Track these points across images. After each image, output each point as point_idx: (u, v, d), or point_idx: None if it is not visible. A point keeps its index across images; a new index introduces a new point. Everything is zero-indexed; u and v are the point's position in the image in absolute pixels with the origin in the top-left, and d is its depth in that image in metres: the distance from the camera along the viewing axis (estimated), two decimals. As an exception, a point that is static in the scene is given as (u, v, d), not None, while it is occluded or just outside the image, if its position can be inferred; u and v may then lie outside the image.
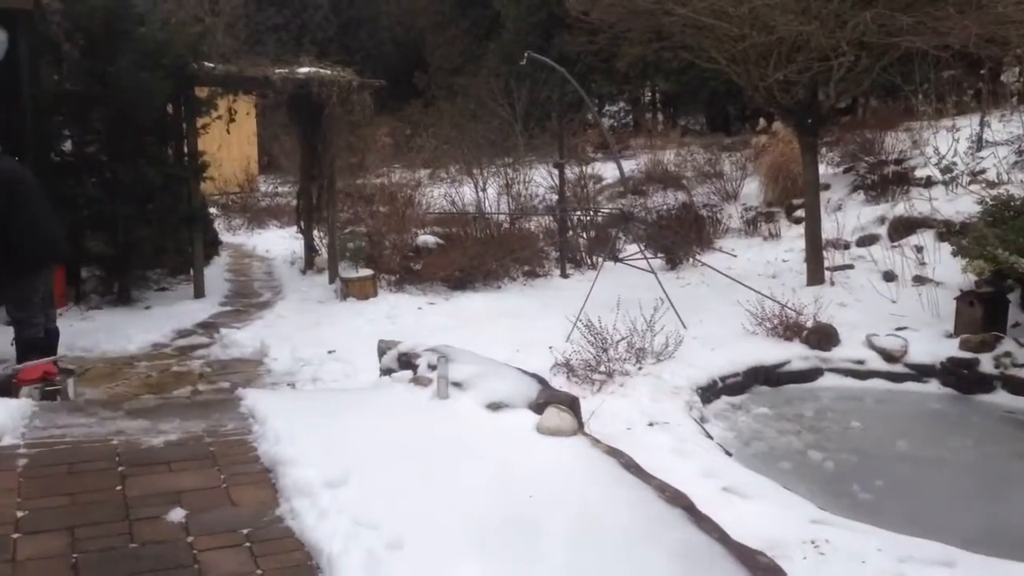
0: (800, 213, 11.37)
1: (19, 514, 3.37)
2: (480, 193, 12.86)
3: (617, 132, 23.21)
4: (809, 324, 7.47)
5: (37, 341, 6.48)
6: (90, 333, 7.93)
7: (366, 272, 9.96)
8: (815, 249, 9.66)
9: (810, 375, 7.12)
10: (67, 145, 9.15)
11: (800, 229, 10.96)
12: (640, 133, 22.02)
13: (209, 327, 8.69)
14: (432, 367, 4.85)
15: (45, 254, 6.53)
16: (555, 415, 4.12)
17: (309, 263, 11.53)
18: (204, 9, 16.67)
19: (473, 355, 5.12)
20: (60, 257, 6.94)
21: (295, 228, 12.94)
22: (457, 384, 4.64)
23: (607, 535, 3.06)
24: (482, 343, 5.93)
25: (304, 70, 9.89)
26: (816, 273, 9.57)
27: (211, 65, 9.41)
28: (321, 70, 9.97)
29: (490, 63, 23.43)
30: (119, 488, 3.63)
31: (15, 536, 3.20)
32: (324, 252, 11.32)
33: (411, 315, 9.15)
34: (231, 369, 7.43)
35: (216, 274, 10.96)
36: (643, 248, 10.00)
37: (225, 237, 13.72)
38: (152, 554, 3.11)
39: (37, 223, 6.38)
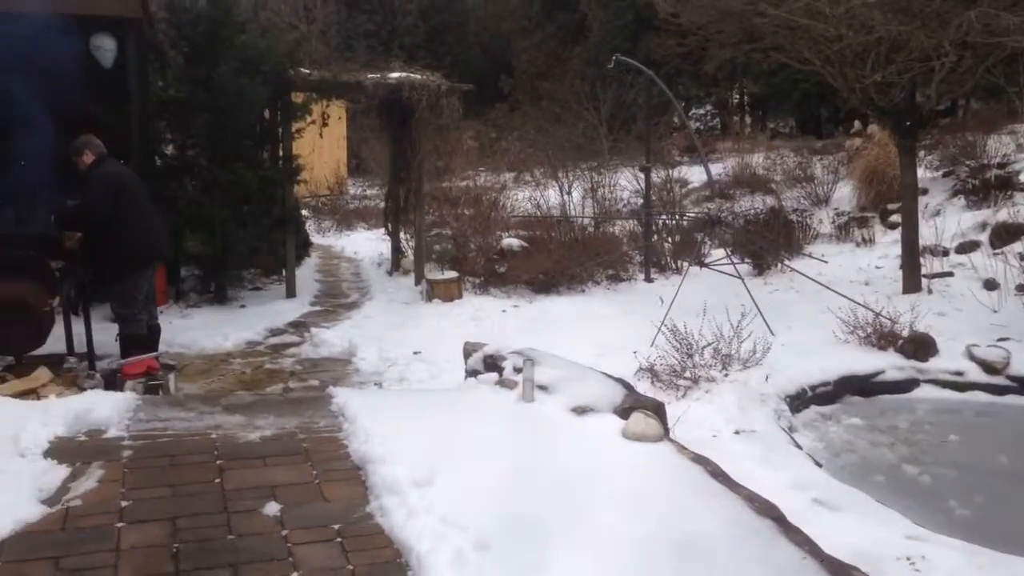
0: (896, 218, 11.01)
1: (123, 504, 3.53)
2: (565, 196, 12.87)
3: (704, 135, 22.89)
4: (905, 333, 7.23)
5: (140, 337, 6.77)
6: (188, 330, 8.23)
7: (451, 274, 10.07)
8: (912, 255, 9.35)
9: (905, 386, 6.88)
10: (169, 149, 9.53)
11: (895, 235, 10.61)
12: (727, 136, 21.68)
13: (300, 326, 8.92)
14: (518, 370, 4.88)
15: (148, 253, 6.82)
16: (641, 420, 4.10)
17: (396, 265, 11.72)
18: (299, 17, 17.12)
19: (558, 359, 5.13)
20: (162, 256, 7.23)
21: (382, 230, 13.17)
22: (542, 387, 4.66)
23: (695, 544, 3.03)
24: (565, 347, 5.93)
25: (395, 75, 10.07)
26: (912, 280, 9.25)
27: (307, 71, 9.67)
28: (412, 75, 10.13)
29: (576, 66, 23.43)
30: (217, 481, 3.77)
31: (119, 525, 3.35)
32: (410, 254, 11.49)
33: (495, 318, 9.21)
34: (321, 368, 7.61)
35: (306, 274, 11.24)
36: (730, 253, 9.84)
37: (315, 238, 14.05)
38: (249, 546, 3.22)
39: (141, 224, 6.66)
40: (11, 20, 7.30)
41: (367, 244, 14.17)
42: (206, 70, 8.47)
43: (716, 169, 15.48)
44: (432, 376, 7.06)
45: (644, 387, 6.01)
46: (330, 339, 8.17)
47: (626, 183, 13.67)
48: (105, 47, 8.29)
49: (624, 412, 4.32)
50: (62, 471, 3.75)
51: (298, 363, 7.73)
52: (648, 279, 10.90)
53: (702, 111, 26.73)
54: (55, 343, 6.59)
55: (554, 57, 25.71)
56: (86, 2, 7.73)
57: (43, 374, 5.00)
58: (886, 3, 8.03)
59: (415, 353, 7.74)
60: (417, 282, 10.49)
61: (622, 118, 16.90)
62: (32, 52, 7.31)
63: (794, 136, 21.98)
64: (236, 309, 9.41)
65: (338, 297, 10.55)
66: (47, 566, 3.01)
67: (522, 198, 14.51)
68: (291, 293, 10.08)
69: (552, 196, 13.26)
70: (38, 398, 4.63)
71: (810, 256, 10.92)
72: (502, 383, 4.94)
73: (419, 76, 10.14)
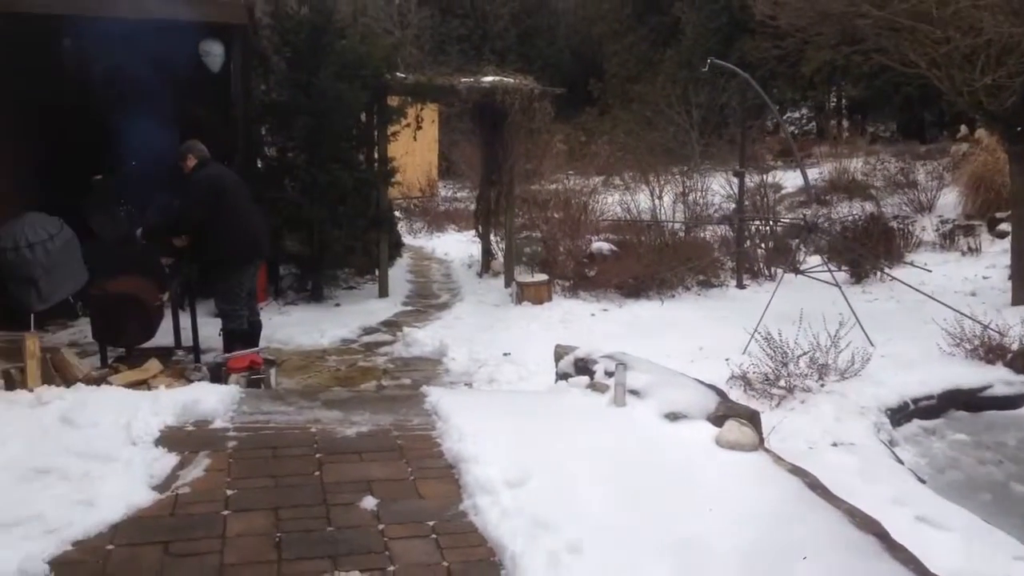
0: (1005, 227, 10.55)
1: (229, 492, 3.66)
2: (655, 201, 12.75)
3: (799, 139, 22.35)
4: (1014, 347, 6.93)
5: (241, 332, 7.02)
6: (286, 327, 8.48)
7: (541, 277, 10.10)
8: (1022, 265, 8.94)
9: (1015, 401, 6.59)
10: (271, 151, 9.83)
11: (1004, 244, 10.17)
12: (824, 140, 21.11)
13: (392, 325, 9.08)
14: (609, 373, 4.87)
15: (249, 252, 7.06)
16: (735, 428, 4.04)
17: (486, 266, 11.82)
18: (394, 22, 17.45)
19: (650, 363, 5.10)
20: (263, 255, 7.47)
21: (473, 232, 13.29)
22: (634, 392, 4.64)
23: (794, 558, 2.97)
24: (655, 352, 5.88)
25: (488, 79, 10.17)
26: (1023, 292, 8.85)
27: (402, 75, 9.86)
28: (505, 78, 10.21)
29: (667, 69, 23.19)
30: (317, 474, 3.87)
31: (225, 513, 3.48)
32: (500, 256, 11.56)
33: (584, 321, 9.19)
34: (412, 367, 7.73)
35: (399, 275, 11.44)
36: (826, 260, 9.60)
37: (407, 240, 14.29)
38: (347, 538, 3.30)
39: (242, 224, 6.92)
40: (126, 27, 7.67)
41: (457, 246, 14.33)
42: (307, 75, 8.72)
43: (812, 174, 15.11)
44: (521, 378, 7.09)
45: (736, 395, 5.91)
46: (421, 339, 8.29)
47: (718, 188, 13.46)
48: (214, 53, 8.62)
49: (718, 420, 4.27)
50: (172, 459, 3.92)
51: (390, 362, 7.87)
52: (740, 285, 10.72)
53: (797, 115, 26.11)
54: (163, 337, 6.89)
55: (645, 60, 25.51)
56: (197, 9, 8.05)
57: (154, 365, 5.23)
58: (996, 4, 7.71)
59: (505, 355, 7.79)
60: (507, 284, 10.55)
61: (714, 122, 16.66)
62: (146, 57, 7.68)
63: (895, 140, 21.26)
64: (331, 307, 9.64)
65: (429, 298, 10.70)
66: (157, 550, 3.15)
67: (611, 202, 14.43)
68: (384, 293, 10.26)
69: (642, 200, 13.15)
70: (149, 388, 4.84)
71: (912, 265, 10.55)
72: (593, 387, 4.94)
73: (512, 80, 10.21)
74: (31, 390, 4.39)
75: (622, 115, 20.97)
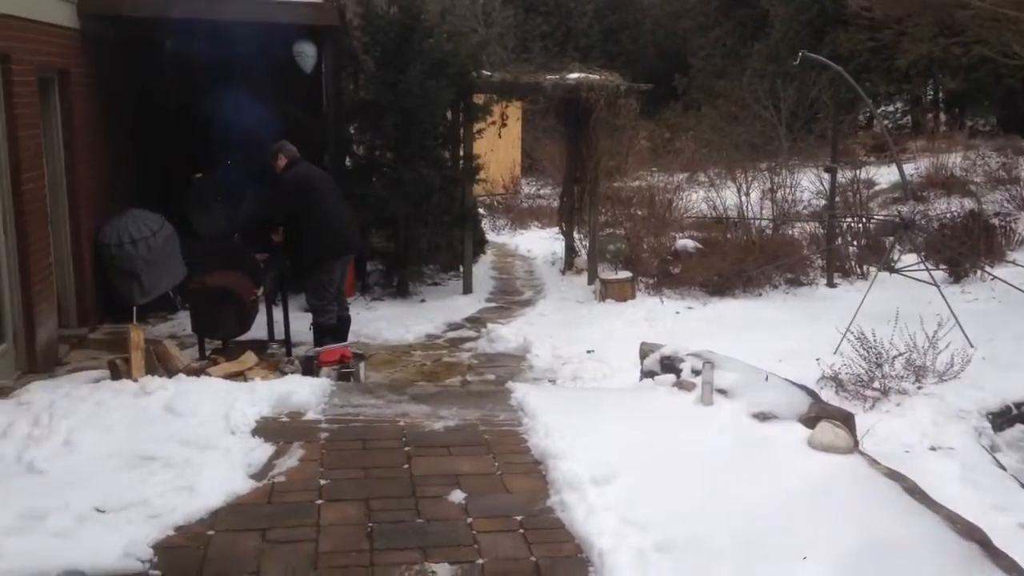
0: (1117, 224, 10.02)
1: (322, 482, 3.76)
2: (742, 197, 12.52)
3: (893, 134, 21.63)
4: None
5: (330, 327, 7.20)
6: (373, 322, 8.63)
7: (625, 274, 10.03)
8: None
9: (1125, 407, 6.26)
10: (359, 149, 10.02)
11: (1116, 242, 9.66)
12: (919, 135, 20.38)
13: (476, 322, 9.15)
14: (696, 372, 4.81)
15: (337, 248, 7.24)
16: (829, 430, 3.95)
17: (569, 264, 11.80)
18: (478, 21, 17.56)
19: (738, 362, 5.02)
20: (352, 251, 7.64)
21: (555, 229, 13.28)
22: (722, 391, 4.58)
23: (892, 564, 2.89)
24: (741, 351, 5.76)
25: (574, 76, 10.14)
26: None
27: (488, 73, 9.91)
28: (590, 75, 10.17)
29: (755, 64, 22.72)
30: (406, 466, 3.95)
31: (319, 502, 3.58)
32: (584, 253, 11.53)
33: (668, 319, 9.09)
34: (496, 363, 7.78)
35: (482, 271, 11.51)
36: (923, 258, 9.27)
37: (490, 236, 14.35)
38: (436, 530, 3.36)
39: (331, 221, 7.09)
40: (224, 29, 7.93)
41: (540, 243, 14.33)
42: (395, 74, 8.85)
43: (907, 169, 14.59)
44: (605, 375, 7.07)
45: (827, 396, 5.77)
46: (505, 335, 8.33)
47: (808, 184, 13.13)
48: (307, 53, 8.85)
49: (810, 421, 4.18)
50: (268, 449, 4.05)
51: (474, 357, 7.94)
52: (831, 284, 10.44)
53: (891, 109, 25.24)
54: (257, 330, 7.11)
55: (732, 55, 25.04)
56: (291, 12, 8.28)
57: (250, 358, 5.41)
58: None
59: (588, 352, 7.77)
60: (590, 281, 10.52)
61: (804, 117, 16.26)
62: (242, 59, 7.93)
63: (995, 135, 20.38)
64: (416, 303, 9.77)
65: (512, 294, 10.75)
66: (255, 536, 3.26)
67: (696, 199, 14.22)
68: (468, 289, 10.35)
69: (729, 197, 12.92)
70: (245, 380, 5.00)
71: (1015, 264, 10.11)
72: (680, 385, 4.89)
73: (597, 76, 10.16)
74: (136, 380, 4.58)
75: (707, 111, 20.64)
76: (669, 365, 5.24)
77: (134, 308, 7.80)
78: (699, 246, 11.13)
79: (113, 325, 8.12)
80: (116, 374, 4.74)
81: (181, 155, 9.17)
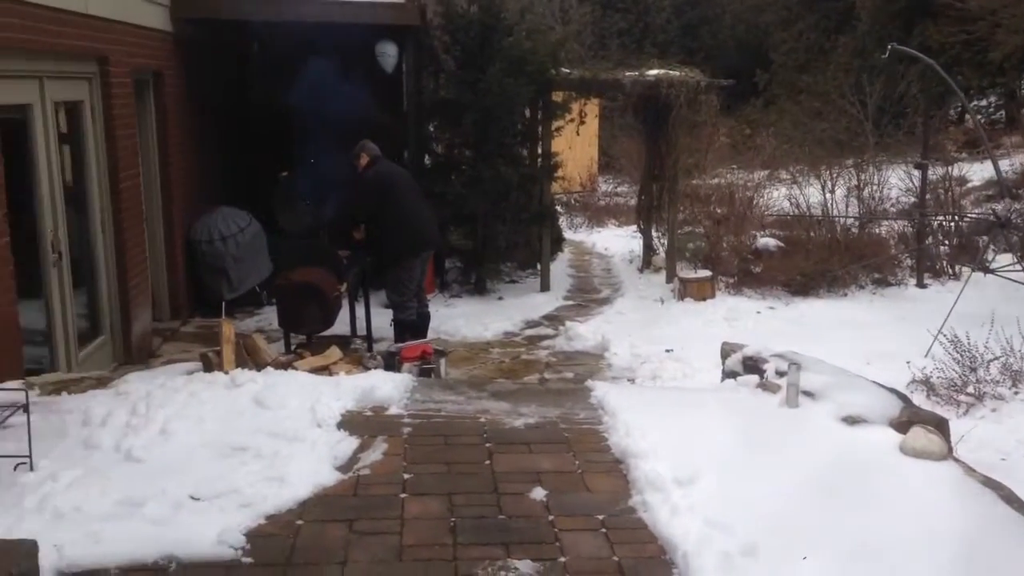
0: None
1: (406, 476, 3.81)
2: (826, 195, 12.21)
3: (987, 129, 20.80)
4: None
5: (410, 323, 7.31)
6: (452, 319, 8.72)
7: (704, 273, 9.91)
8: None
9: None
10: (439, 147, 10.12)
11: None
12: (1014, 130, 19.54)
13: (554, 319, 9.16)
14: (781, 373, 4.72)
15: (417, 246, 7.34)
16: (922, 435, 3.82)
17: (647, 262, 11.70)
18: (555, 18, 17.54)
19: (824, 364, 4.90)
20: (431, 247, 7.73)
21: (633, 227, 13.19)
22: (808, 393, 4.47)
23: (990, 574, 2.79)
24: (826, 352, 5.62)
25: (653, 72, 10.05)
26: None
27: (567, 70, 9.90)
28: (670, 71, 10.07)
29: (840, 58, 22.12)
30: (487, 463, 3.97)
31: (402, 496, 3.63)
32: (662, 252, 11.43)
33: (749, 319, 8.95)
34: (574, 361, 7.77)
35: (559, 269, 11.51)
36: (1019, 258, 8.90)
37: (567, 234, 14.34)
38: (518, 527, 3.37)
39: (411, 218, 7.19)
40: (309, 30, 8.11)
41: (617, 241, 14.25)
42: (475, 72, 8.92)
43: (1003, 166, 14.02)
44: (685, 375, 7.00)
45: (918, 400, 5.59)
46: (583, 333, 8.31)
47: (896, 181, 12.74)
48: (389, 53, 8.99)
49: (901, 426, 4.05)
50: (353, 442, 4.12)
51: (552, 355, 7.95)
52: (920, 284, 10.12)
53: (984, 103, 24.28)
54: (339, 326, 7.24)
55: (816, 49, 24.44)
56: (374, 12, 8.44)
57: (334, 352, 5.51)
58: None
59: (667, 351, 7.70)
60: (669, 280, 10.42)
61: (891, 112, 15.77)
62: (326, 59, 8.10)
63: (1097, 129, 19.39)
64: (494, 300, 9.82)
65: (590, 292, 10.72)
66: (342, 527, 3.33)
67: (777, 196, 13.94)
68: (545, 287, 10.36)
69: (812, 194, 12.62)
70: (330, 374, 5.10)
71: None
72: (764, 386, 4.80)
73: (677, 72, 10.05)
74: (227, 372, 4.72)
75: (789, 106, 20.21)
76: (752, 366, 5.15)
77: (222, 303, 8.03)
78: (781, 244, 10.93)
79: (202, 319, 8.40)
80: (208, 366, 4.88)
81: (267, 154, 9.41)
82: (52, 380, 4.90)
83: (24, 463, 3.61)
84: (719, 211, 12.34)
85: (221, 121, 9.48)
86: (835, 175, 12.66)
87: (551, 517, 3.46)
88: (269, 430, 4.09)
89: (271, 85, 9.68)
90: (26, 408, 3.67)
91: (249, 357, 5.12)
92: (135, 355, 6.82)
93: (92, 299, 6.47)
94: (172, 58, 8.00)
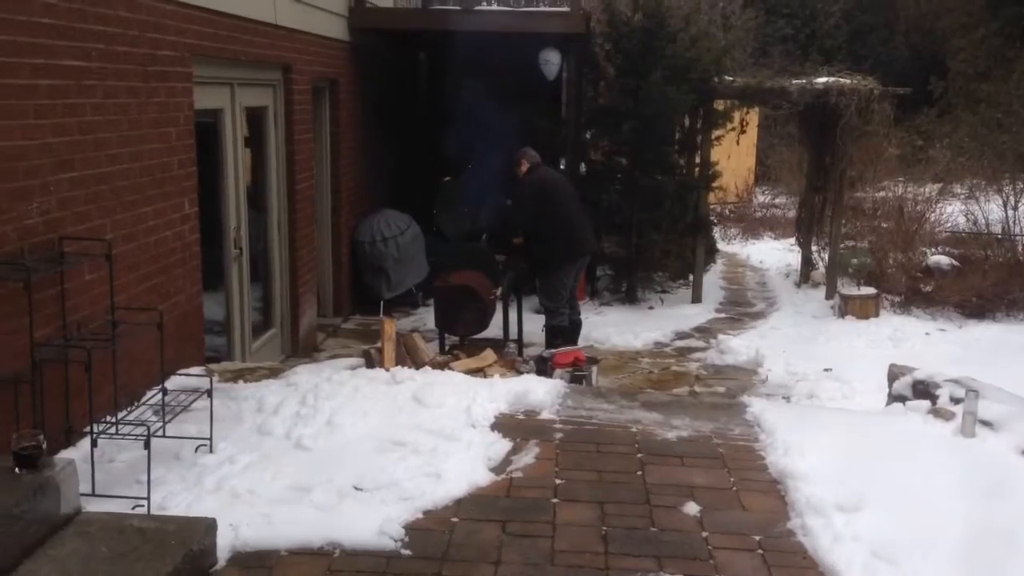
0: None
1: (557, 482, 3.84)
2: (1009, 212, 11.41)
3: None
4: None
5: (561, 329, 7.34)
6: (602, 327, 8.70)
7: (868, 290, 9.46)
8: None
9: None
10: (595, 155, 10.13)
11: None
12: None
13: (705, 331, 8.98)
14: (955, 400, 4.46)
15: (573, 252, 7.37)
16: (1118, 478, 3.51)
17: (805, 276, 11.30)
18: (716, 25, 17.22)
19: (1004, 392, 4.60)
20: (588, 254, 7.76)
21: (790, 240, 12.76)
22: (986, 423, 4.21)
23: None
24: (1003, 380, 5.25)
25: (822, 80, 9.69)
26: None
27: (731, 78, 9.69)
28: (840, 79, 9.68)
29: (1024, 66, 20.65)
30: (639, 473, 3.95)
31: (554, 501, 3.66)
32: (821, 266, 11.00)
33: (917, 340, 8.49)
34: (725, 375, 7.59)
35: (711, 281, 11.27)
36: None
37: (720, 245, 14.05)
38: (671, 540, 3.33)
39: (567, 225, 7.23)
40: (475, 40, 8.31)
41: (773, 254, 13.83)
42: (636, 80, 8.88)
43: None
44: (844, 396, 6.71)
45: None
46: (735, 347, 8.11)
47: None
48: (552, 61, 9.10)
49: (1093, 464, 3.74)
50: (506, 444, 4.20)
51: (703, 368, 7.80)
52: (1117, 310, 9.29)
53: None
54: (491, 329, 7.37)
55: (997, 56, 22.88)
56: (541, 22, 8.59)
57: (489, 355, 5.62)
58: None
59: (826, 370, 7.41)
60: (829, 296, 10.01)
61: (1086, 123, 14.58)
62: (490, 67, 8.28)
63: None
64: (645, 310, 9.74)
65: (743, 305, 10.45)
66: (496, 528, 3.39)
67: (951, 212, 13.14)
68: (697, 298, 10.18)
69: (993, 211, 11.82)
70: (484, 376, 5.21)
71: None
72: (935, 413, 4.54)
73: (848, 80, 9.65)
74: (387, 369, 4.90)
75: (966, 117, 19.05)
76: (923, 390, 4.88)
77: (381, 302, 8.36)
78: (955, 263, 10.31)
79: (362, 317, 8.75)
80: (370, 363, 5.09)
81: (429, 159, 9.71)
82: (231, 368, 5.25)
83: (204, 445, 3.88)
84: (885, 225, 11.77)
85: (387, 126, 9.85)
86: (1019, 190, 11.82)
87: (705, 533, 3.40)
88: (427, 427, 4.22)
89: (435, 92, 10.01)
90: (209, 393, 3.95)
91: (408, 355, 5.29)
92: (301, 348, 7.18)
93: (266, 294, 6.87)
94: (347, 66, 8.39)
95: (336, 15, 8.02)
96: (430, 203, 9.49)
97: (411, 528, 3.34)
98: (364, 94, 8.90)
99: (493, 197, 8.49)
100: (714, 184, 10.19)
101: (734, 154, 15.24)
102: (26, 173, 3.59)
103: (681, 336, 8.83)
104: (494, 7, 9.91)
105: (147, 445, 3.35)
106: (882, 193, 14.62)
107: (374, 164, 9.39)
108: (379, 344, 5.14)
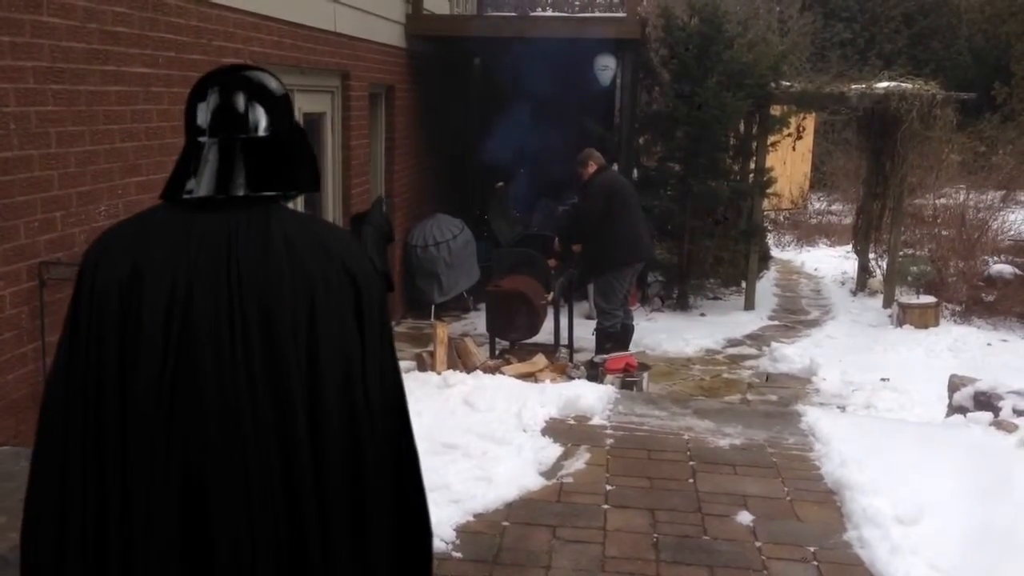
0: None
1: (608, 488, 3.84)
2: (1076, 220, 11.09)
3: None
4: None
5: (613, 333, 7.31)
6: (653, 333, 8.63)
7: (928, 299, 9.25)
8: None
9: None
10: (649, 160, 10.08)
11: None
12: None
13: (758, 339, 8.86)
14: (1019, 412, 4.36)
15: (633, 255, 7.33)
16: None
17: (861, 284, 11.09)
18: (772, 30, 17.00)
19: (1071, 407, 4.47)
20: (647, 259, 7.73)
21: (846, 247, 12.53)
22: (1051, 437, 4.10)
23: None
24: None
25: (882, 85, 9.49)
26: None
27: (787, 84, 9.56)
28: (902, 84, 9.48)
29: (1096, 70, 20.03)
30: (691, 481, 3.92)
31: (605, 507, 3.65)
32: (879, 274, 10.79)
33: (978, 351, 8.27)
34: (778, 383, 7.48)
35: (765, 288, 11.11)
36: None
37: (774, 252, 13.86)
38: (723, 550, 3.30)
39: (629, 227, 7.19)
40: (530, 46, 8.34)
41: (828, 261, 13.60)
42: (691, 85, 8.80)
43: None
44: (902, 406, 6.56)
45: None
46: (789, 355, 7.98)
47: None
48: (608, 67, 9.08)
49: None
50: (556, 449, 4.20)
51: (755, 376, 7.70)
52: None
53: None
54: (542, 334, 7.37)
55: (1065, 60, 22.28)
56: (597, 27, 8.55)
57: (540, 360, 5.63)
58: None
59: (883, 380, 7.26)
60: (887, 304, 9.81)
61: None
62: (545, 73, 8.30)
63: None
64: (696, 317, 9.65)
65: (797, 313, 10.29)
66: (546, 532, 3.40)
67: (1015, 220, 12.79)
68: (750, 305, 10.05)
69: (1061, 219, 11.51)
70: (535, 381, 5.22)
71: None
72: (998, 425, 4.44)
73: (910, 85, 9.45)
74: (439, 373, 4.94)
75: (1033, 123, 18.55)
76: (985, 402, 4.78)
77: (432, 306, 8.41)
78: (1018, 272, 10.03)
79: (414, 320, 8.81)
80: (422, 366, 5.13)
81: (482, 164, 9.75)
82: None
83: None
84: (945, 233, 11.51)
85: (441, 131, 9.93)
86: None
87: (758, 543, 3.36)
88: (478, 431, 4.24)
89: (488, 98, 10.06)
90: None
91: (459, 359, 5.33)
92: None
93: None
94: (403, 72, 8.47)
95: (394, 22, 8.10)
96: (483, 208, 9.53)
97: (462, 531, 3.36)
98: (419, 100, 8.97)
99: (545, 203, 8.50)
100: (769, 190, 10.06)
101: (789, 160, 15.04)
102: (95, 176, 3.70)
103: (733, 343, 8.72)
104: (549, 13, 9.91)
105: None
106: (943, 200, 14.30)
107: (427, 169, 9.46)
108: (431, 348, 5.19)
